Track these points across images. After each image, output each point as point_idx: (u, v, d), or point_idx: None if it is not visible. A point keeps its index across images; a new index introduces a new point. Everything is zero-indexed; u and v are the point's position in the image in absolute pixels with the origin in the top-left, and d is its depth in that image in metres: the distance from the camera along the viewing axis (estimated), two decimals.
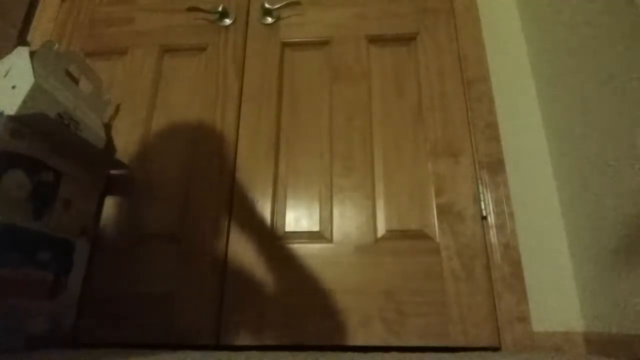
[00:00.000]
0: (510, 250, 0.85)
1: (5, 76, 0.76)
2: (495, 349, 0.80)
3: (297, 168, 0.96)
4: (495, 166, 0.91)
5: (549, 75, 0.92)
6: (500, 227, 0.86)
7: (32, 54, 0.78)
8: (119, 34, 1.14)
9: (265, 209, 0.93)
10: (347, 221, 0.91)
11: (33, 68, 0.76)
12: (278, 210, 0.93)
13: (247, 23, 1.12)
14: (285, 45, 1.09)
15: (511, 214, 0.87)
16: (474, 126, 0.95)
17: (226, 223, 0.92)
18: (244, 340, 0.83)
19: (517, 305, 0.81)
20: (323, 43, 1.08)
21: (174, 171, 0.98)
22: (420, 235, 0.88)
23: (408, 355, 0.69)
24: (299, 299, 0.85)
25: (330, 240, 0.90)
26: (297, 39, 1.08)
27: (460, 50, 1.02)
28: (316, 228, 0.91)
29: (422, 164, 0.94)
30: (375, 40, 1.07)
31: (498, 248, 0.85)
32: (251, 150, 0.98)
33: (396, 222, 0.90)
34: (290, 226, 0.92)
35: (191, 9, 1.10)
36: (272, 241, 0.90)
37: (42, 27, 1.16)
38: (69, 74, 0.87)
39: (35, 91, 0.75)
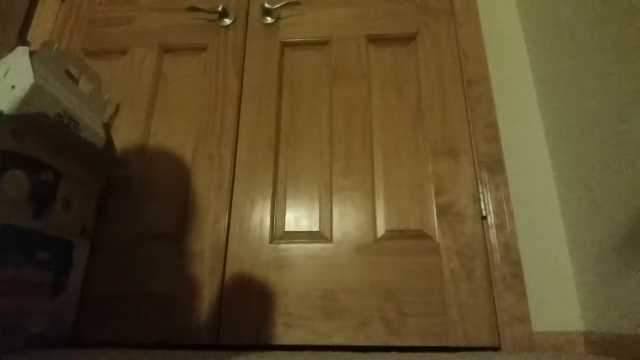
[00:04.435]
0: (510, 250, 0.85)
1: (5, 76, 0.76)
2: (495, 349, 0.80)
3: (297, 168, 0.96)
4: (495, 166, 0.91)
5: (549, 75, 0.92)
6: (500, 227, 0.86)
7: (32, 54, 0.78)
8: (119, 34, 1.14)
9: (265, 209, 0.93)
10: (347, 221, 0.91)
11: (33, 68, 0.76)
12: (278, 210, 0.93)
13: (247, 23, 1.12)
14: (285, 45, 1.09)
15: (511, 214, 0.87)
16: (474, 126, 0.95)
17: (226, 223, 0.92)
18: (244, 340, 0.83)
19: (517, 305, 0.81)
20: (323, 43, 1.08)
21: (174, 171, 0.98)
22: (420, 235, 0.88)
23: (408, 355, 0.69)
24: (298, 299, 0.85)
25: (330, 240, 0.90)
26: (297, 39, 1.08)
27: (460, 50, 1.02)
28: (316, 228, 0.91)
29: (422, 164, 0.94)
30: (375, 40, 1.07)
31: (498, 248, 0.85)
32: (251, 150, 0.98)
33: (396, 222, 0.90)
34: (290, 226, 0.92)
35: (191, 9, 1.10)
36: (272, 241, 0.90)
37: (42, 27, 1.16)
38: (69, 74, 0.87)
39: (35, 91, 0.75)
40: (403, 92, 1.01)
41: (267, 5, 1.08)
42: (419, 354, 0.71)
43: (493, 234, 0.86)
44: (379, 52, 1.06)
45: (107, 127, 1.02)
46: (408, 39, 1.06)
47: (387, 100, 1.00)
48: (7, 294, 0.69)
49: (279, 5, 1.08)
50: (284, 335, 0.83)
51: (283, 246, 0.90)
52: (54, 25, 1.17)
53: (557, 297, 0.82)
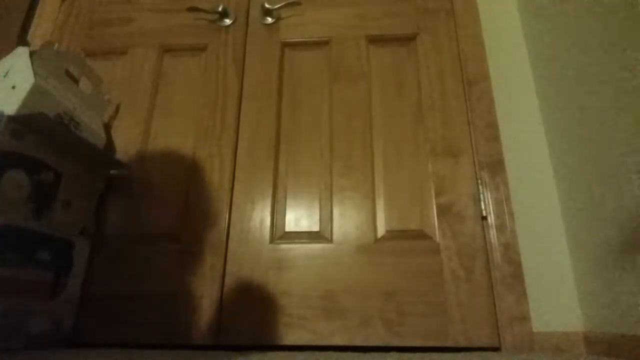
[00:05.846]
0: (510, 250, 0.85)
1: (5, 76, 0.76)
2: (495, 349, 0.80)
3: (297, 168, 0.96)
4: (495, 166, 0.91)
5: (549, 75, 0.92)
6: (500, 227, 0.86)
7: (32, 54, 0.78)
8: (119, 34, 1.14)
9: (265, 209, 0.93)
10: (347, 221, 0.91)
11: (33, 68, 0.76)
12: (278, 210, 0.93)
13: (247, 23, 1.12)
14: (285, 45, 1.09)
15: (511, 214, 0.87)
16: (474, 126, 0.95)
17: (226, 223, 0.92)
18: (244, 340, 0.83)
19: (517, 305, 0.81)
20: (323, 43, 1.08)
21: (174, 171, 0.98)
22: (420, 235, 0.88)
23: (408, 355, 0.69)
24: (298, 299, 0.85)
25: (330, 240, 0.90)
26: (297, 39, 1.08)
27: (460, 50, 1.02)
28: (316, 228, 0.91)
29: (422, 164, 0.94)
30: (375, 40, 1.07)
31: (498, 248, 0.85)
32: (251, 150, 0.98)
33: (396, 222, 0.90)
34: (290, 226, 0.92)
35: (191, 9, 1.10)
36: (272, 241, 0.90)
37: (42, 27, 1.16)
38: (69, 74, 0.87)
39: (35, 91, 0.75)
40: (403, 92, 1.01)
41: (267, 5, 1.08)
42: (419, 354, 0.71)
43: (493, 234, 0.86)
44: (379, 52, 1.06)
45: (107, 127, 1.02)
46: (408, 39, 1.06)
47: (387, 100, 1.00)
48: (7, 294, 0.69)
49: (279, 5, 1.08)
50: (284, 335, 0.83)
51: (283, 246, 0.90)
52: (54, 25, 1.17)
53: (557, 297, 0.82)
